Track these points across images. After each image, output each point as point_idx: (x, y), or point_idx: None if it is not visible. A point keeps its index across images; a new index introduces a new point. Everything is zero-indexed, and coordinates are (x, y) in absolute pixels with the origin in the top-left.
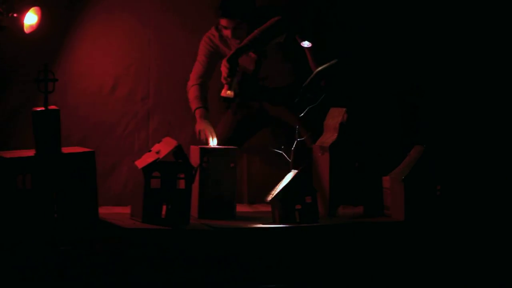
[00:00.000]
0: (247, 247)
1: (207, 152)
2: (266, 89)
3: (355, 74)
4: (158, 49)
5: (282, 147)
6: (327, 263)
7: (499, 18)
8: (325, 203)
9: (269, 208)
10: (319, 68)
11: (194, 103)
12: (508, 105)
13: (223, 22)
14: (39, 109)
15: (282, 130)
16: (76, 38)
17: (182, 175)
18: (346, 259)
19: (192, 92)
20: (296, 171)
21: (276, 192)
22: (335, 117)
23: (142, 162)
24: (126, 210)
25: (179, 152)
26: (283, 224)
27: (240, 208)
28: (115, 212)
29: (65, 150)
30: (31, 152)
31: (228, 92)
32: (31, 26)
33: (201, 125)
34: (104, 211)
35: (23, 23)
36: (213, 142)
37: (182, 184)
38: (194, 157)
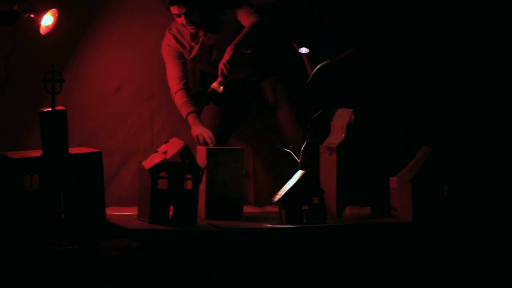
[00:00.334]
0: (254, 247)
1: (214, 152)
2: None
3: (361, 75)
4: None
5: (291, 146)
6: (334, 264)
7: (507, 15)
8: (332, 204)
9: (276, 209)
10: (318, 66)
11: (184, 109)
12: None
13: (174, 10)
14: (46, 109)
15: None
16: (81, 39)
17: (189, 176)
18: (353, 260)
19: (178, 98)
20: (303, 171)
21: (283, 193)
22: (342, 117)
23: (149, 162)
24: (133, 210)
25: (186, 153)
26: (290, 225)
27: (247, 209)
28: (122, 213)
29: (72, 150)
30: (38, 153)
31: (221, 87)
32: (47, 27)
33: (197, 130)
34: (110, 211)
35: (39, 24)
36: (213, 144)
37: (189, 184)
38: (201, 157)
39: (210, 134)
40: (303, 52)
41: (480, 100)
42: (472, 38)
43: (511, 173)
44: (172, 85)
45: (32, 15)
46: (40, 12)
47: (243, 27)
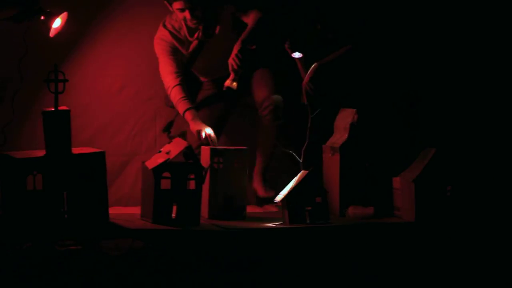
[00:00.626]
0: (257, 247)
1: (217, 152)
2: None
3: (361, 75)
4: None
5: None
6: (338, 264)
7: (508, 15)
8: (335, 204)
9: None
10: (317, 64)
11: (181, 105)
12: None
13: (178, 4)
14: (49, 109)
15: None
16: (85, 40)
17: (192, 176)
18: (356, 259)
19: (175, 94)
20: (306, 171)
21: (286, 193)
22: (345, 117)
23: (152, 162)
24: (135, 210)
25: (189, 153)
26: (293, 225)
27: (250, 209)
28: (124, 213)
29: (75, 150)
30: (41, 153)
31: (235, 83)
32: (55, 29)
33: (197, 126)
34: (113, 211)
35: (50, 27)
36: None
37: (192, 184)
38: (205, 157)
39: (212, 134)
40: (296, 56)
41: (483, 101)
42: (476, 38)
43: None
44: (167, 80)
45: (42, 17)
46: (51, 15)
47: (239, 24)
